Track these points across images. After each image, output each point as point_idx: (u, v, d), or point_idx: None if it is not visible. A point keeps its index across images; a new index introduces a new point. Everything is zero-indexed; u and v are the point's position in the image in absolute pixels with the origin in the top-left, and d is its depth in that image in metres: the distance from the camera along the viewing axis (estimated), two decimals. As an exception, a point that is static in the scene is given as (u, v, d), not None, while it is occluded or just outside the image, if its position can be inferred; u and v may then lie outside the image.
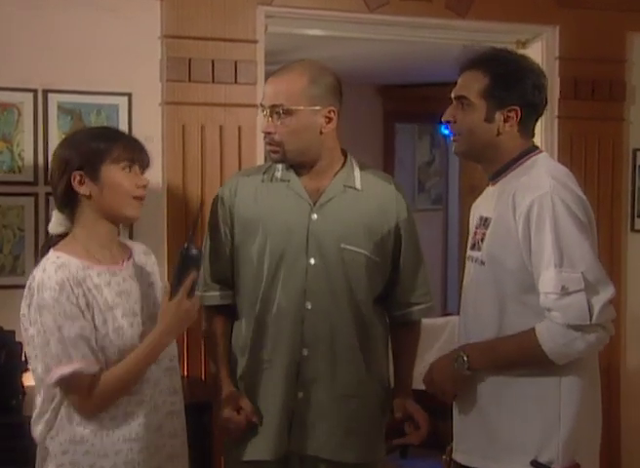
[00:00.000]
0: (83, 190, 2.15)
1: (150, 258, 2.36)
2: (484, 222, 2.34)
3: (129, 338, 2.16)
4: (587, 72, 3.86)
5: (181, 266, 2.19)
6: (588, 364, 2.29)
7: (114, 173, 2.15)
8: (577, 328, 2.16)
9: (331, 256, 2.48)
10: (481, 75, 2.31)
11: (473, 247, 2.37)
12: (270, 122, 2.47)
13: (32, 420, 2.21)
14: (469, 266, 2.39)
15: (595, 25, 3.87)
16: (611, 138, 3.94)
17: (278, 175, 2.55)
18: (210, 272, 2.58)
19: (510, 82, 2.30)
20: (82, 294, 2.10)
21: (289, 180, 2.53)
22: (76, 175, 2.15)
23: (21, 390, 3.03)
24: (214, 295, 2.58)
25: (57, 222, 2.24)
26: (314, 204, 2.50)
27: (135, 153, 2.19)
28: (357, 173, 2.56)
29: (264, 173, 2.58)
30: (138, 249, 2.34)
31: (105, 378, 2.11)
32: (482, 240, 2.32)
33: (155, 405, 2.23)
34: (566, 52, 3.85)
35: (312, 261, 2.48)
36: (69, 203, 2.18)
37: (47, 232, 3.10)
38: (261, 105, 2.51)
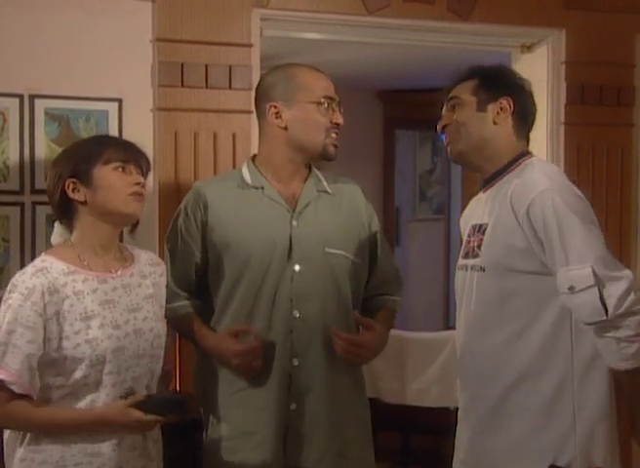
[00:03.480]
0: (78, 196, 2.16)
1: (157, 269, 2.34)
2: (478, 229, 2.35)
3: (102, 350, 2.12)
4: (595, 77, 3.79)
5: (169, 403, 2.19)
6: (600, 360, 2.26)
7: (106, 174, 2.16)
8: (596, 324, 2.14)
9: (316, 262, 2.46)
10: (469, 80, 2.40)
11: (467, 255, 2.37)
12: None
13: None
14: (463, 275, 2.38)
15: (603, 28, 3.79)
16: (620, 145, 3.86)
17: (248, 180, 2.52)
18: (177, 286, 2.52)
19: (497, 77, 2.41)
20: (53, 302, 2.08)
21: (262, 187, 2.50)
22: (69, 183, 2.16)
23: None
24: (184, 305, 2.53)
25: (57, 234, 2.24)
26: (293, 210, 2.48)
27: (127, 154, 2.19)
28: (322, 178, 2.59)
29: (231, 179, 2.56)
30: (144, 258, 2.32)
31: (22, 409, 2.08)
32: (479, 246, 2.32)
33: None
34: (573, 56, 3.78)
35: (297, 268, 2.45)
36: (67, 212, 2.19)
37: (33, 243, 3.12)
38: (330, 98, 2.50)
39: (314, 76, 2.54)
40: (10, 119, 3.14)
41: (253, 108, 3.33)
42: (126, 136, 3.17)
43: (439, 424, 4.03)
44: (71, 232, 2.22)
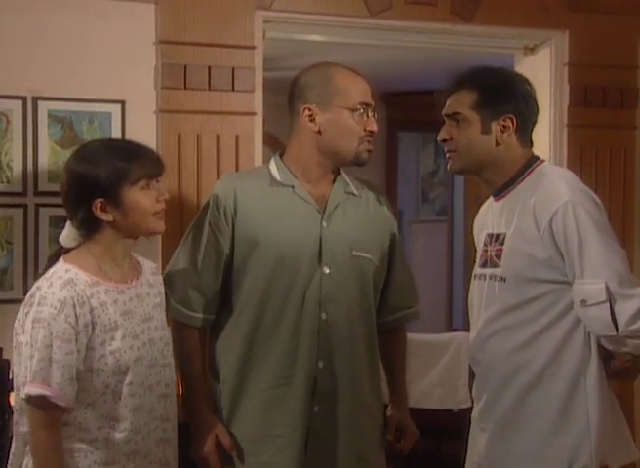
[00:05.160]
0: (106, 217, 2.14)
1: (158, 278, 2.34)
2: (496, 239, 2.33)
3: (125, 361, 2.13)
4: (598, 78, 3.77)
5: None
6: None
7: (135, 195, 2.15)
8: (607, 338, 2.18)
9: (344, 264, 2.44)
10: (468, 91, 2.34)
11: (485, 264, 2.35)
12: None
13: (14, 432, 2.18)
14: (481, 284, 2.36)
15: (606, 30, 3.77)
16: (623, 147, 3.84)
17: (277, 178, 2.48)
18: (198, 289, 2.45)
19: (499, 91, 2.33)
20: (83, 314, 2.08)
21: (293, 186, 2.46)
22: (97, 203, 2.14)
23: (8, 410, 2.94)
24: (197, 317, 2.47)
25: (69, 236, 2.22)
26: (322, 211, 2.45)
27: (151, 169, 2.18)
28: (349, 181, 2.56)
29: (259, 176, 2.51)
30: (147, 267, 2.31)
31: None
32: (498, 256, 2.30)
33: (147, 432, 2.18)
34: (576, 57, 3.76)
35: (327, 270, 2.42)
36: (90, 226, 2.17)
37: (36, 244, 3.12)
38: (366, 104, 2.46)
39: (352, 79, 2.49)
40: (13, 121, 3.15)
41: (255, 110, 3.38)
42: (129, 138, 3.14)
43: (442, 426, 4.03)
44: (85, 237, 2.20)
